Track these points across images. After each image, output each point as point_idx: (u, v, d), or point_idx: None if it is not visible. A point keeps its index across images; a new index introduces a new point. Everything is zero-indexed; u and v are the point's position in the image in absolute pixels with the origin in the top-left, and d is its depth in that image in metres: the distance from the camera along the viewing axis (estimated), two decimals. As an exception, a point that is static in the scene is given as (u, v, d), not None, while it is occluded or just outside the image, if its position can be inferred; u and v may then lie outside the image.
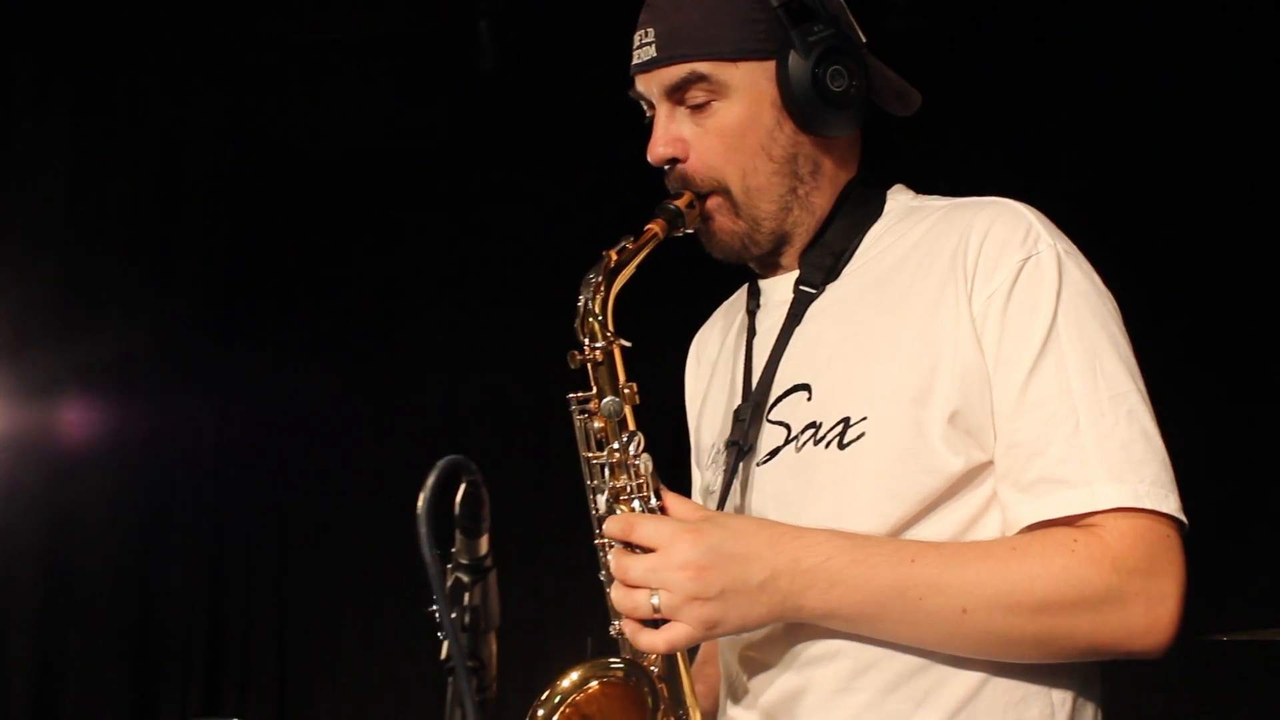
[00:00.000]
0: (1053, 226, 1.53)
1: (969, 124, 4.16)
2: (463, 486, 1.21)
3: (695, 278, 1.84)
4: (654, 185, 1.67)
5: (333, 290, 4.85)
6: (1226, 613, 3.02)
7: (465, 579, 1.23)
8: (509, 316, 4.66)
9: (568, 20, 4.68)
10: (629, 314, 1.54)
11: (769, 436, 1.59)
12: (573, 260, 1.63)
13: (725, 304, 1.88)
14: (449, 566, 1.24)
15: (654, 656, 1.46)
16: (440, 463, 1.16)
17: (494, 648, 1.27)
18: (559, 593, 4.24)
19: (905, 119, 1.71)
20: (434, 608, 3.17)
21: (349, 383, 4.74)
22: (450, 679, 1.18)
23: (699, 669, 1.54)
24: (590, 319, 1.50)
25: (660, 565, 1.40)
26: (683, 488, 1.58)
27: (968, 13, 4.34)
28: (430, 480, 1.15)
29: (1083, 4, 4.31)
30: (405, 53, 4.81)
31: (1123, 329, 1.50)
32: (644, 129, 1.66)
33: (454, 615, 1.22)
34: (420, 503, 1.14)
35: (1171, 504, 1.41)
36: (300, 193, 4.82)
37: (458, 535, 1.24)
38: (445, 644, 1.19)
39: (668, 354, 1.93)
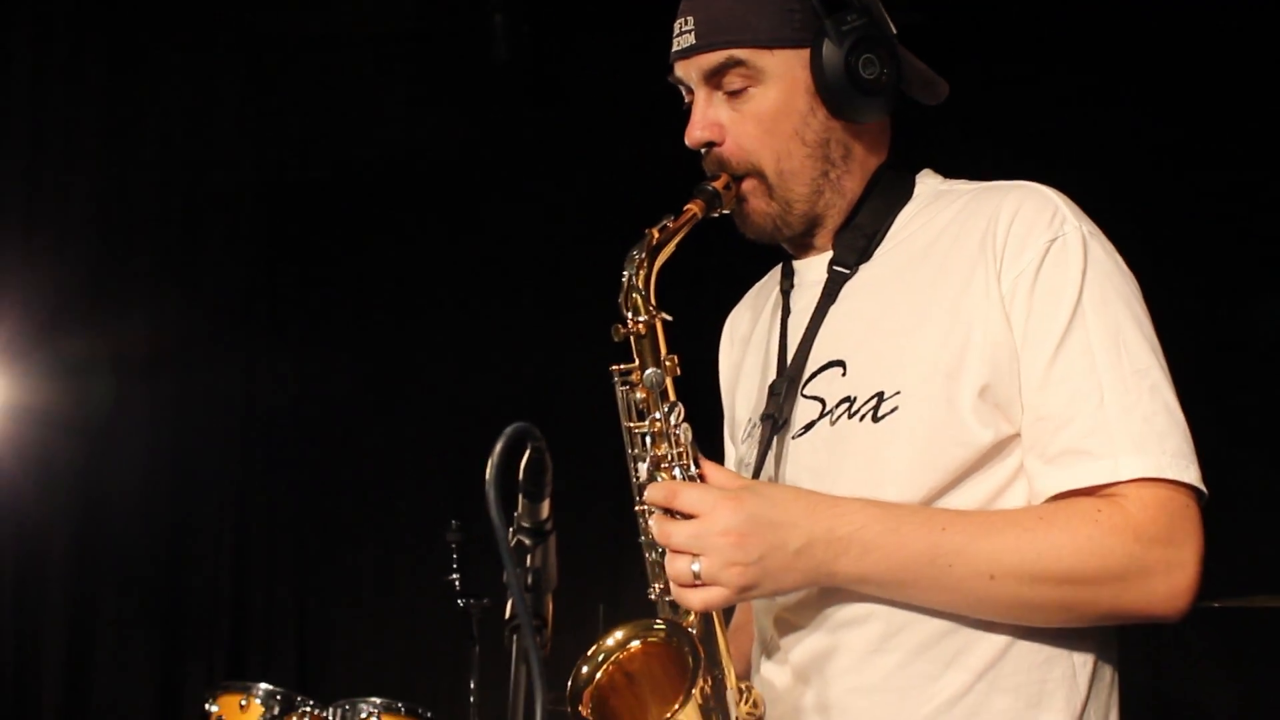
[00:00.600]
0: (1078, 209, 1.59)
1: (968, 122, 4.20)
2: (528, 452, 1.25)
3: (729, 260, 1.89)
4: (665, 179, 1.70)
5: (354, 278, 4.96)
6: (1219, 580, 3.08)
7: (528, 541, 1.28)
8: (520, 311, 4.73)
9: (580, 15, 4.73)
10: (665, 291, 1.59)
11: (804, 410, 1.64)
12: (595, 249, 1.67)
13: (757, 285, 1.93)
14: (512, 529, 1.28)
15: (691, 618, 1.52)
16: (507, 430, 1.20)
17: (551, 607, 1.32)
18: (565, 569, 4.29)
19: (902, 116, 1.76)
20: (455, 576, 3.20)
21: (370, 361, 4.85)
22: (515, 636, 1.23)
23: (733, 634, 1.59)
24: (634, 293, 1.55)
25: (702, 531, 1.45)
26: (718, 460, 1.62)
27: (967, 10, 4.37)
28: (498, 446, 1.18)
29: (1083, 4, 4.35)
30: (416, 49, 4.87)
31: (1145, 308, 1.56)
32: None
33: (518, 575, 1.26)
34: (489, 469, 1.18)
35: (1192, 474, 1.47)
36: (329, 184, 4.90)
37: (521, 499, 1.29)
38: (510, 603, 1.23)
39: (703, 331, 1.98)
